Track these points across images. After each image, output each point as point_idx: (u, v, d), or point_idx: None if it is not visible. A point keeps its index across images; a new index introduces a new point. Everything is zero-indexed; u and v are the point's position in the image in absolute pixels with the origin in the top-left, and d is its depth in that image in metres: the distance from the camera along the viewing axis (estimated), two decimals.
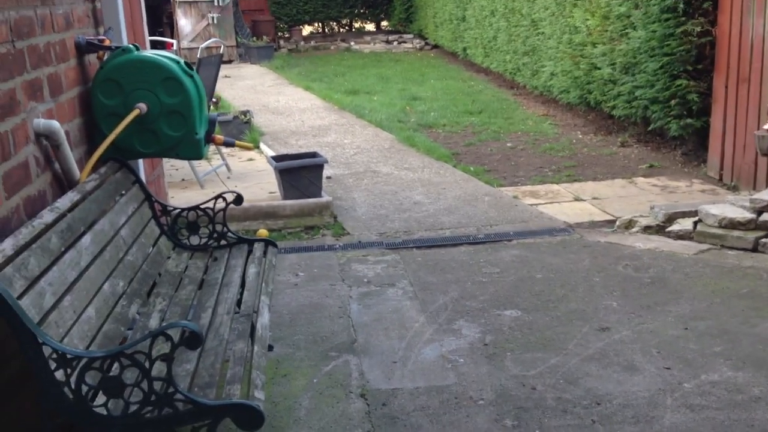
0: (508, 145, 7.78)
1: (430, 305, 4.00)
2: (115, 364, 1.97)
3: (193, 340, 1.98)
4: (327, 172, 6.53)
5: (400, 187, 6.31)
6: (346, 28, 21.17)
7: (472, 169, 6.86)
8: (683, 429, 2.76)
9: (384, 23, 20.81)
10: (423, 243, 5.03)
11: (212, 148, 6.91)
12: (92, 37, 3.35)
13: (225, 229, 3.53)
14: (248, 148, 4.14)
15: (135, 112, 3.17)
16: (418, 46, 16.83)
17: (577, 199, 5.89)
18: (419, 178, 6.59)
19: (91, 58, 3.41)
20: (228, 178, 6.58)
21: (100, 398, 1.99)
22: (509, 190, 6.19)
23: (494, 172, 6.78)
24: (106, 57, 3.34)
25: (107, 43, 3.38)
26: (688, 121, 6.32)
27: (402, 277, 4.43)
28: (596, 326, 3.66)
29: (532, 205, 5.78)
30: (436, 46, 15.96)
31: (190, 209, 3.48)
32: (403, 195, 6.09)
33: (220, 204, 3.52)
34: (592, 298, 4.00)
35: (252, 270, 3.18)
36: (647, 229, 5.06)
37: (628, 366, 3.25)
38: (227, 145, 3.84)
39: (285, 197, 5.61)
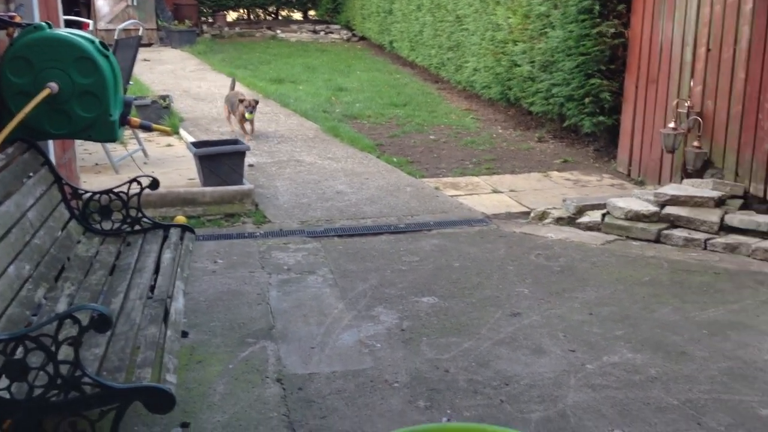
0: (431, 137, 7.90)
1: (349, 292, 4.05)
2: (20, 348, 1.92)
3: (102, 323, 1.95)
4: (249, 159, 6.47)
5: (324, 177, 6.33)
6: (273, 15, 20.90)
7: (395, 160, 6.94)
8: (585, 407, 2.91)
9: (311, 13, 20.66)
10: (344, 232, 5.07)
11: (128, 132, 6.72)
12: (2, 14, 3.22)
13: (139, 214, 3.46)
14: (166, 133, 4.07)
15: (45, 92, 3.07)
16: (345, 37, 16.80)
17: (495, 191, 6.06)
18: (343, 168, 6.62)
19: (0, 35, 3.27)
20: (145, 163, 6.42)
21: (3, 381, 1.94)
22: (431, 182, 6.30)
23: (417, 164, 6.88)
24: (16, 34, 3.21)
25: (17, 19, 3.26)
26: (601, 118, 6.60)
27: (323, 264, 4.46)
28: (508, 312, 3.80)
29: (452, 196, 5.91)
30: (363, 38, 15.98)
31: (102, 193, 3.40)
32: (326, 184, 6.11)
33: (135, 188, 3.45)
34: (506, 285, 4.15)
35: (167, 255, 3.14)
36: (559, 221, 5.26)
37: (536, 349, 3.40)
38: (144, 128, 3.77)
39: (205, 184, 5.53)
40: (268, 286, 4.13)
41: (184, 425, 2.70)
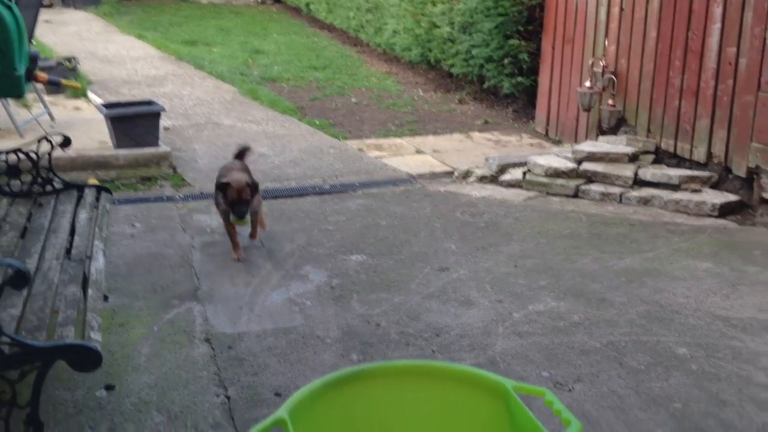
0: (353, 100, 7.83)
1: (277, 253, 3.98)
2: None
3: (19, 278, 1.82)
4: (165, 122, 6.22)
5: (244, 139, 6.15)
6: None
7: (317, 122, 6.85)
8: (513, 353, 2.98)
9: None
10: (269, 194, 4.97)
11: (32, 95, 6.33)
12: None
13: (51, 174, 3.27)
14: (76, 88, 3.85)
15: None
16: None
17: (418, 152, 6.08)
18: (264, 131, 6.48)
19: None
20: (52, 127, 6.05)
21: None
22: (354, 143, 6.26)
23: (339, 126, 6.81)
24: None
25: None
26: (519, 79, 6.71)
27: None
28: (436, 267, 3.83)
29: (376, 157, 5.89)
30: (278, 1, 15.59)
31: (10, 152, 3.18)
32: None
33: (45, 147, 3.24)
34: (433, 242, 4.18)
35: (83, 216, 2.98)
36: (482, 179, 5.34)
37: (465, 301, 3.45)
38: (52, 84, 3.55)
39: (118, 147, 5.28)
40: (190, 248, 4.00)
41: (109, 387, 2.59)
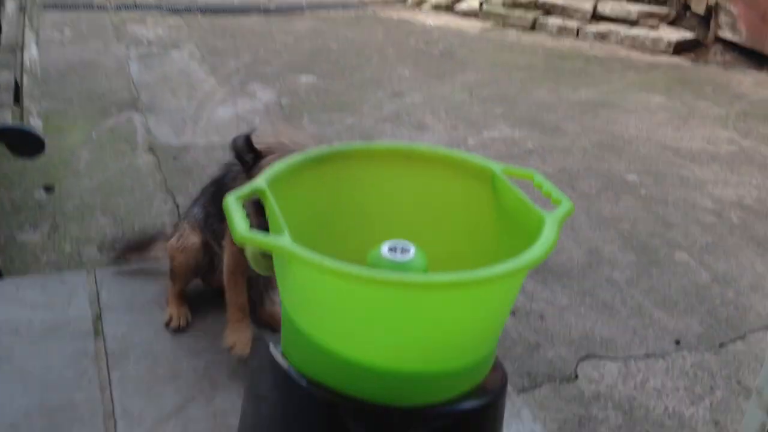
0: None
1: (221, 69, 3.75)
2: None
3: None
4: None
5: None
6: None
7: None
8: None
9: None
10: (208, 9, 4.63)
11: None
12: None
13: None
14: None
15: None
16: None
17: None
18: None
19: None
20: None
21: None
22: None
23: None
24: None
25: None
26: None
27: (187, 40, 4.07)
28: (390, 92, 3.70)
29: None
30: None
31: None
32: None
33: None
34: (386, 67, 4.02)
35: (10, 5, 2.66)
36: (437, 8, 5.11)
37: (419, 125, 3.37)
38: None
39: None
40: (127, 59, 3.72)
41: (48, 189, 2.44)
